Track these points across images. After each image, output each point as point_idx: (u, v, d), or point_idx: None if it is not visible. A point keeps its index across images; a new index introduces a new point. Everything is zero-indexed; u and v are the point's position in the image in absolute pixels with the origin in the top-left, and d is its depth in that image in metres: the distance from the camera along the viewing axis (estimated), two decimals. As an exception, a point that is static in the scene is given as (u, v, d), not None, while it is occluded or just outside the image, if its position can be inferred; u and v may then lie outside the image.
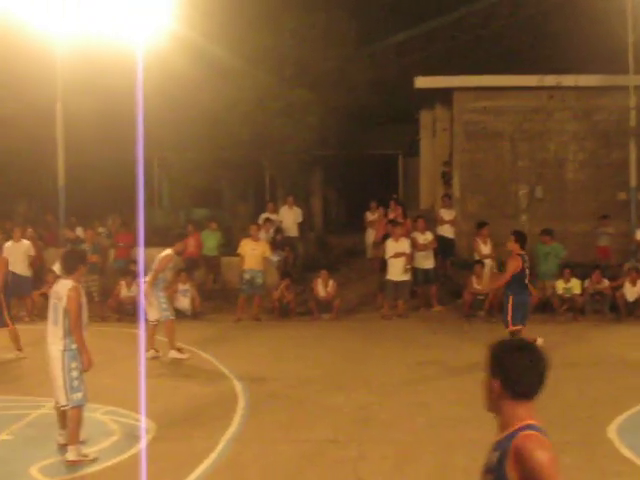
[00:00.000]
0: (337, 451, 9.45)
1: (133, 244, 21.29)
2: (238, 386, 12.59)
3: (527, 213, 22.38)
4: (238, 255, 19.54)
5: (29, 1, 21.11)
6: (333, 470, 8.91)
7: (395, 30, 30.62)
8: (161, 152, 26.83)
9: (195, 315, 19.24)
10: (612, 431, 10.06)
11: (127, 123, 20.07)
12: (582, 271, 19.28)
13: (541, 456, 3.73)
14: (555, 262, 19.45)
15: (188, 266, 21.20)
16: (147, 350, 14.49)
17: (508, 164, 22.84)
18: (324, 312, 19.26)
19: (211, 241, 22.01)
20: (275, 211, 23.58)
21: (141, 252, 19.63)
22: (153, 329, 14.97)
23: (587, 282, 19.02)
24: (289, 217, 23.21)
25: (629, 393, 11.96)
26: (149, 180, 29.83)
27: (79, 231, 22.39)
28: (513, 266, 13.75)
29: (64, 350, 9.23)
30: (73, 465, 9.17)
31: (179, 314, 18.51)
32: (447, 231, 21.80)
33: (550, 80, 22.47)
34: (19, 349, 15.02)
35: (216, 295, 21.57)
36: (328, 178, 30.04)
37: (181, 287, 19.28)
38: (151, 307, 14.89)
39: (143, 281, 15.37)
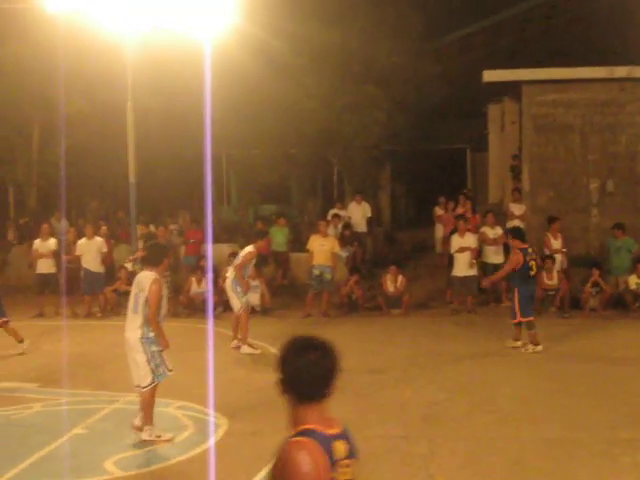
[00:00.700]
0: (407, 447, 9.47)
1: (203, 241, 21.52)
2: (308, 381, 12.64)
3: (598, 207, 22.07)
4: (307, 251, 19.62)
5: (99, 1, 21.41)
6: (404, 466, 8.92)
7: (462, 23, 30.44)
8: (229, 149, 27.06)
9: (265, 311, 19.37)
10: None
11: (196, 120, 20.34)
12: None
13: (294, 466, 3.61)
14: (627, 257, 19.20)
15: (258, 262, 21.36)
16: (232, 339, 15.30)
17: (578, 157, 22.53)
18: (393, 308, 19.24)
19: (280, 237, 22.13)
20: (343, 207, 23.63)
21: (209, 248, 19.86)
22: (237, 320, 15.38)
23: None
24: (358, 213, 23.24)
25: None
26: (218, 177, 30.06)
27: (151, 228, 22.69)
28: (513, 261, 14.93)
29: (142, 337, 9.70)
30: (147, 444, 9.65)
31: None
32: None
33: (621, 72, 22.09)
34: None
35: (285, 291, 21.70)
36: (396, 173, 29.98)
37: (251, 283, 19.40)
38: (232, 300, 15.41)
39: (222, 277, 15.85)
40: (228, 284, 15.54)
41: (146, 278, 9.84)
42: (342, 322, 18.38)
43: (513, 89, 23.77)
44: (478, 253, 19.41)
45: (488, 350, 14.99)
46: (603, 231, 21.00)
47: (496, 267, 19.61)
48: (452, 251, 19.09)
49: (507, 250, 20.02)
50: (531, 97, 22.91)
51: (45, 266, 19.82)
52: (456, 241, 19.05)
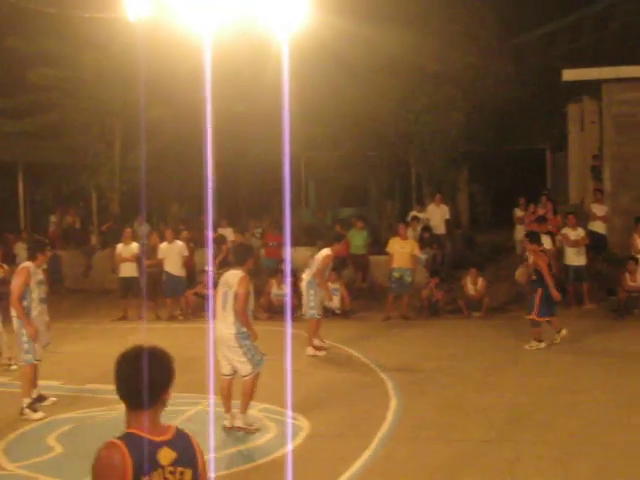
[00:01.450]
0: (492, 451, 9.39)
1: (283, 243, 21.62)
2: (390, 384, 12.65)
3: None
4: (386, 253, 19.60)
5: (176, 5, 21.68)
6: (489, 471, 8.85)
7: (540, 21, 30.11)
8: (308, 152, 27.19)
9: (345, 313, 19.41)
10: None
11: (275, 124, 20.47)
12: None
13: (95, 463, 3.81)
14: None
15: (337, 265, 21.40)
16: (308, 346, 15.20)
17: (662, 157, 22.12)
18: (473, 310, 19.11)
19: (358, 240, 22.12)
20: (422, 209, 23.55)
21: (288, 251, 19.95)
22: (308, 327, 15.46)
23: None
24: (437, 215, 23.14)
25: None
26: (297, 180, 30.25)
27: (229, 232, 22.84)
28: (544, 263, 15.09)
29: (237, 333, 10.18)
30: (240, 431, 10.23)
31: (329, 313, 18.78)
32: (599, 227, 21.28)
33: None
34: None
35: (365, 293, 21.71)
36: (474, 174, 29.80)
37: (331, 286, 19.44)
38: (304, 302, 15.64)
39: (300, 279, 15.97)
40: (303, 287, 15.71)
41: (234, 276, 10.32)
42: (422, 325, 18.32)
43: (593, 88, 23.44)
44: (555, 255, 19.08)
45: (570, 352, 14.79)
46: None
47: (577, 269, 19.36)
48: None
49: (589, 252, 19.80)
50: (612, 96, 22.56)
51: (128, 270, 20.10)
52: None
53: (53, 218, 28.99)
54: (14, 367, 13.78)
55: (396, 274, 19.01)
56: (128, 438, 3.91)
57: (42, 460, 9.48)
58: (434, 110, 23.77)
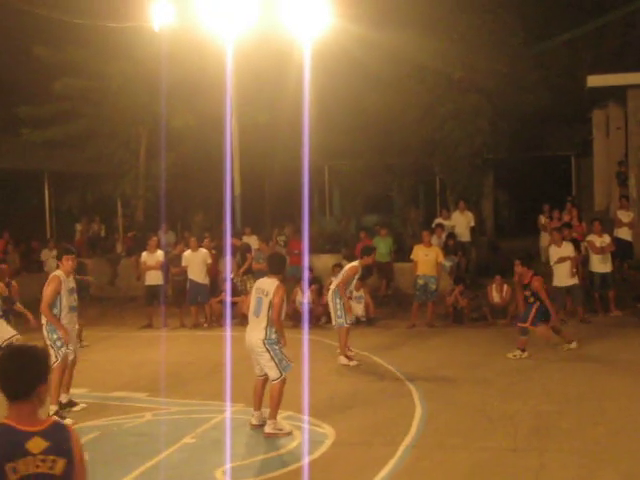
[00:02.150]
0: (517, 460, 9.34)
1: (307, 251, 21.63)
2: (415, 392, 12.62)
3: None
4: (411, 261, 19.58)
5: (200, 15, 21.81)
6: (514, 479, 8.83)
7: (564, 27, 30.02)
8: (331, 160, 27.22)
9: (369, 321, 19.41)
10: None
11: (299, 133, 20.53)
12: None
13: None
14: None
15: (361, 273, 21.39)
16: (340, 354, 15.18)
17: (688, 162, 22.00)
18: (498, 318, 19.05)
19: (383, 247, 22.08)
20: (447, 216, 23.51)
21: (306, 259, 20.00)
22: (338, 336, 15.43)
23: None
24: (461, 222, 23.09)
25: None
26: (320, 188, 30.29)
27: (253, 240, 22.89)
28: (540, 284, 15.23)
29: (265, 339, 10.37)
30: (269, 437, 10.29)
31: (353, 320, 18.76)
32: (625, 233, 21.16)
33: None
34: None
35: (389, 301, 21.71)
36: (499, 181, 29.72)
37: (355, 294, 19.46)
38: (332, 312, 15.59)
39: (325, 287, 16.04)
40: (329, 296, 15.72)
41: (270, 284, 10.54)
42: (447, 332, 18.28)
43: (618, 93, 23.35)
44: (580, 263, 18.97)
45: (596, 360, 14.71)
46: None
47: (603, 276, 19.25)
48: (551, 263, 18.66)
49: (614, 259, 19.69)
50: (637, 101, 22.49)
51: (153, 278, 20.19)
52: (554, 251, 18.51)
53: (79, 226, 29.20)
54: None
55: (420, 281, 18.99)
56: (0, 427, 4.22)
57: (68, 467, 9.52)
58: (459, 117, 23.75)
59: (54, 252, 22.28)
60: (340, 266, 20.30)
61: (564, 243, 18.43)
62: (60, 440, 4.29)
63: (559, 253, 18.37)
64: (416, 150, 24.28)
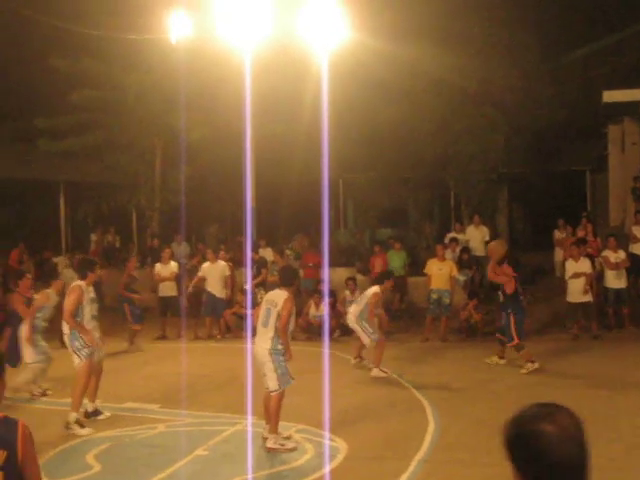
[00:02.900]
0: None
1: (321, 264, 21.63)
2: (427, 406, 12.60)
3: None
4: (425, 275, 19.56)
5: (217, 27, 21.88)
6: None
7: (580, 43, 30.02)
8: (346, 173, 27.23)
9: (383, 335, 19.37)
10: None
11: (313, 145, 20.55)
12: None
13: None
14: None
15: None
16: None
17: (703, 178, 21.91)
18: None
19: (396, 261, 22.08)
20: (461, 230, 23.48)
21: (326, 272, 19.98)
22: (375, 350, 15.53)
23: None
24: (476, 236, 23.05)
25: None
26: (334, 201, 30.30)
27: (268, 252, 22.92)
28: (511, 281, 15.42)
29: (271, 349, 10.42)
30: (272, 452, 10.21)
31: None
32: (640, 249, 21.10)
33: None
34: None
35: (403, 315, 21.68)
36: (514, 195, 29.67)
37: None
38: (361, 335, 15.73)
39: (339, 300, 16.07)
40: (352, 320, 15.85)
41: (280, 295, 10.66)
42: (461, 347, 18.25)
43: (634, 109, 23.32)
44: (594, 278, 18.90)
45: (611, 377, 14.63)
46: None
47: (617, 292, 19.19)
48: (566, 277, 18.65)
49: (629, 274, 19.63)
50: (653, 117, 22.43)
51: (167, 289, 20.24)
52: (571, 266, 18.51)
53: (94, 237, 29.28)
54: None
55: (434, 295, 19.00)
56: None
57: (80, 478, 9.54)
58: (473, 131, 23.75)
59: (67, 262, 22.45)
60: (353, 280, 20.35)
61: (582, 259, 18.42)
62: (5, 433, 4.39)
63: (575, 268, 18.36)
64: (430, 164, 24.28)
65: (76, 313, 11.82)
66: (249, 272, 20.30)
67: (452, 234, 23.19)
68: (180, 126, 22.63)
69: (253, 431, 10.98)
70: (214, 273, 20.17)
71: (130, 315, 18.97)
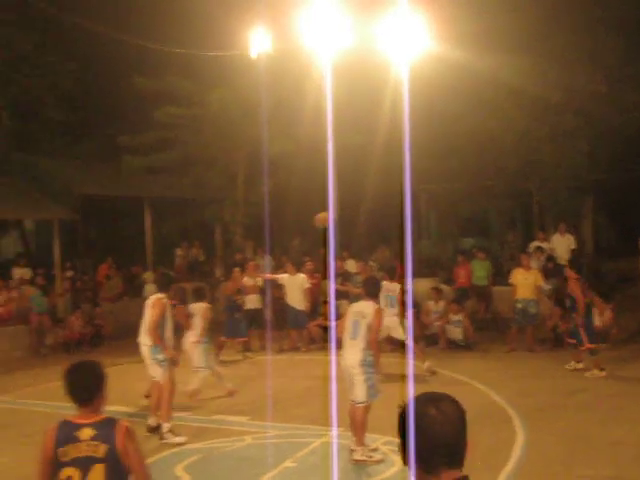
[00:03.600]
0: (621, 488, 9.18)
1: (403, 275, 21.54)
2: (515, 417, 12.48)
3: None
4: (509, 284, 19.39)
5: (297, 41, 22.04)
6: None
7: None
8: (428, 183, 27.14)
9: (468, 345, 19.25)
10: None
11: (393, 155, 20.54)
12: None
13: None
14: None
15: (459, 296, 21.30)
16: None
17: None
18: (601, 342, 18.66)
19: (480, 271, 21.95)
20: (545, 239, 23.22)
21: (409, 282, 19.90)
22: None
23: None
24: (561, 244, 22.77)
25: None
26: (417, 211, 30.22)
27: (351, 264, 22.96)
28: (579, 289, 15.99)
29: (362, 360, 10.43)
30: (359, 464, 10.24)
31: (452, 344, 18.73)
32: None
33: None
34: None
35: (488, 325, 21.49)
36: (599, 202, 29.22)
37: (453, 318, 19.36)
38: None
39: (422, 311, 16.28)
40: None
41: (368, 307, 10.71)
42: (547, 357, 18.00)
43: None
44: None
45: None
46: None
47: None
48: None
49: None
50: None
51: (252, 302, 20.40)
52: None
53: (179, 251, 29.70)
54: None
55: (519, 305, 18.80)
56: (61, 422, 5.30)
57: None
58: (557, 139, 23.47)
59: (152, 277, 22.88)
60: (438, 290, 20.27)
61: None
62: (106, 430, 5.22)
63: None
64: (512, 172, 24.06)
65: (160, 325, 12.11)
66: (332, 284, 20.34)
67: (536, 243, 22.93)
68: (262, 140, 22.81)
69: (339, 443, 11.02)
70: (293, 286, 20.27)
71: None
